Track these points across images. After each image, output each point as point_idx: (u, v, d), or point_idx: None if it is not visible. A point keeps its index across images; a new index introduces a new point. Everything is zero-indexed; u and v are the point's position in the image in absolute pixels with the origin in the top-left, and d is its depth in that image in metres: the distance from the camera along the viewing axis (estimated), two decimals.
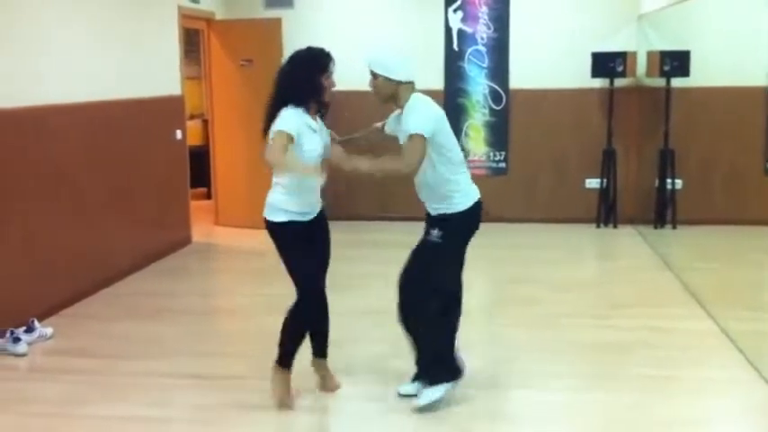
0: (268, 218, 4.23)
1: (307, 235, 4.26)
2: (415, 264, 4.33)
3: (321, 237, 4.38)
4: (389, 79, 4.14)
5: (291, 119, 4.07)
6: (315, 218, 4.30)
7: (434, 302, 4.29)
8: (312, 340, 4.50)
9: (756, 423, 4.30)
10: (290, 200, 4.19)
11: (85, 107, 6.43)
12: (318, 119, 4.27)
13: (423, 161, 4.04)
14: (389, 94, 4.18)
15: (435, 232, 4.23)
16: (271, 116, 4.15)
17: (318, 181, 4.12)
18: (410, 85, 4.19)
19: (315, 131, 4.17)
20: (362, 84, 4.25)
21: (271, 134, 4.07)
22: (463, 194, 4.25)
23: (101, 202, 6.70)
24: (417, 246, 4.35)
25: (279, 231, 4.22)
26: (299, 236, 4.23)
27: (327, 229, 4.43)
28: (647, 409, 4.32)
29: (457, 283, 4.42)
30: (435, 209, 4.28)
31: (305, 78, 4.16)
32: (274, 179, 4.23)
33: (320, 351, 4.56)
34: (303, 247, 4.26)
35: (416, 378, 4.48)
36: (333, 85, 4.24)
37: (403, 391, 4.47)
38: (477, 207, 4.28)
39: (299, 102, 4.13)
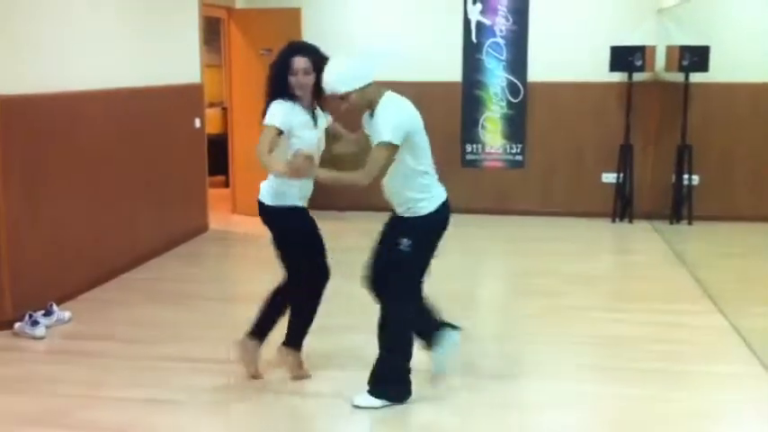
0: (265, 201, 4.35)
1: (307, 218, 4.41)
2: (382, 266, 4.27)
3: (316, 227, 4.49)
4: (362, 88, 4.00)
5: (279, 113, 4.16)
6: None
7: (400, 314, 4.25)
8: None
9: (761, 421, 4.31)
10: (287, 188, 4.28)
11: (106, 95, 6.51)
12: (320, 110, 4.36)
13: (386, 169, 4.02)
14: (368, 102, 4.05)
15: (405, 241, 4.14)
16: (265, 108, 4.27)
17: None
18: (376, 84, 4.06)
19: (308, 125, 4.22)
20: (380, 74, 4.24)
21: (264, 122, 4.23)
22: (430, 197, 4.18)
23: (120, 188, 6.77)
24: (386, 247, 4.28)
25: (283, 216, 4.35)
26: (303, 219, 4.40)
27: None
28: (657, 403, 4.35)
29: (419, 292, 4.38)
30: (401, 211, 4.23)
31: (275, 74, 4.27)
32: None
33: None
34: (307, 229, 4.42)
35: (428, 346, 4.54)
36: (301, 81, 4.22)
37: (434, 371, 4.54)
38: (443, 209, 4.22)
39: (279, 96, 4.22)
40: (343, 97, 4.01)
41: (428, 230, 4.21)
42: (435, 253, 4.31)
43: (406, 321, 4.29)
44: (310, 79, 4.23)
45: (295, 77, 4.23)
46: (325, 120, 4.44)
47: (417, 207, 4.17)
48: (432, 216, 4.18)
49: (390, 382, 4.31)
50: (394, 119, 3.99)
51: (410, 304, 4.29)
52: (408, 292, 4.28)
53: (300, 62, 4.25)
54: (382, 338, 4.29)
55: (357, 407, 4.27)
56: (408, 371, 4.33)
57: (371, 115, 4.10)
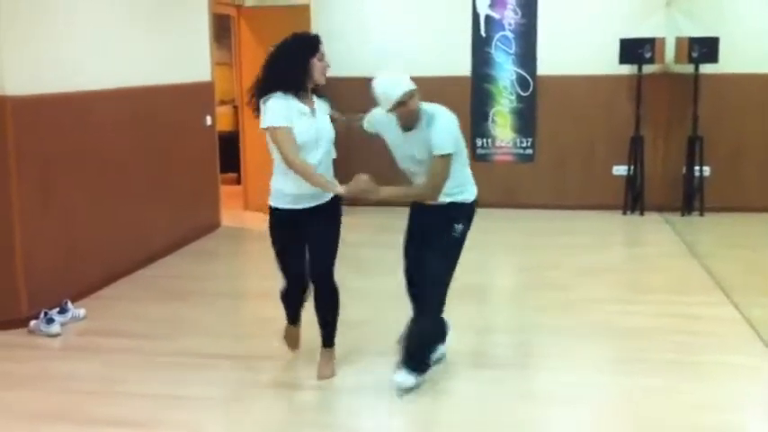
0: (269, 203, 4.38)
1: (291, 222, 4.33)
2: (436, 259, 4.33)
3: (316, 226, 4.35)
4: (416, 91, 4.14)
5: (279, 110, 4.11)
6: (314, 206, 4.31)
7: (443, 296, 4.38)
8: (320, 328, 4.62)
9: None
10: (280, 185, 4.29)
11: (117, 93, 6.55)
12: (317, 99, 4.30)
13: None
14: (418, 107, 4.17)
15: (459, 227, 4.30)
16: (258, 98, 4.24)
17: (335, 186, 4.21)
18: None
19: (305, 115, 4.18)
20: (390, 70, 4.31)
21: (262, 124, 4.16)
22: (471, 185, 4.40)
23: (132, 186, 6.82)
24: (436, 242, 4.34)
25: (269, 214, 4.40)
26: (278, 223, 4.39)
27: (328, 219, 4.39)
28: (669, 394, 4.37)
29: None
30: (446, 198, 4.30)
31: (298, 63, 4.18)
32: (274, 162, 4.31)
33: (323, 340, 4.65)
34: (282, 234, 4.42)
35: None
36: (327, 65, 4.26)
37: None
38: (474, 203, 4.43)
39: (288, 87, 4.15)
40: (412, 96, 4.10)
41: (470, 216, 4.39)
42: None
43: (443, 306, 4.42)
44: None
45: (321, 63, 4.22)
46: (326, 107, 4.38)
47: (462, 195, 4.32)
48: (469, 206, 4.37)
49: (427, 355, 4.47)
50: (451, 131, 4.16)
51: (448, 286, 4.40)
52: (451, 276, 4.37)
53: (324, 49, 4.28)
54: (426, 323, 4.41)
55: (405, 390, 4.36)
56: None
57: (409, 128, 4.21)
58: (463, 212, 4.34)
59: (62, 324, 5.45)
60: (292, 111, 4.13)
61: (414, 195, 4.33)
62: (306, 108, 4.20)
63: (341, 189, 4.13)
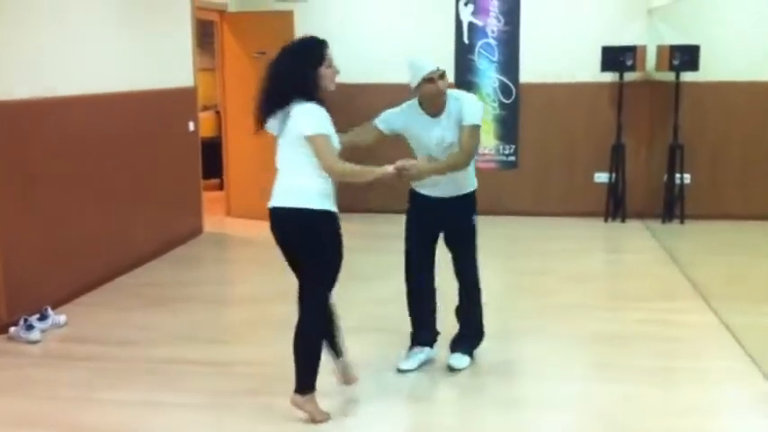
0: (311, 206, 3.90)
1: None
2: (466, 252, 4.76)
3: None
4: (446, 75, 4.44)
5: (322, 117, 3.86)
6: None
7: (477, 278, 4.83)
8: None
9: (752, 415, 4.34)
10: (328, 187, 3.97)
11: (100, 99, 6.52)
12: None
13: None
14: (446, 90, 4.45)
15: (475, 217, 4.69)
16: (270, 109, 3.94)
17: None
18: None
19: (333, 124, 3.97)
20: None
21: (303, 131, 3.84)
22: (473, 176, 4.69)
23: (115, 192, 6.79)
24: (456, 234, 4.73)
25: (323, 221, 3.94)
26: (339, 227, 4.02)
27: None
28: (649, 399, 4.39)
29: None
30: (457, 189, 4.60)
31: (305, 76, 3.89)
32: (301, 167, 3.93)
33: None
34: (340, 242, 4.04)
35: (423, 344, 4.84)
36: (336, 71, 4.00)
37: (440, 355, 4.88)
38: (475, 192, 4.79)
39: (308, 96, 3.86)
40: (442, 76, 4.39)
41: (475, 201, 4.73)
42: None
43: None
44: None
45: (330, 69, 3.97)
46: None
47: (470, 184, 4.67)
48: (473, 193, 4.71)
49: (481, 334, 4.95)
50: (479, 105, 4.52)
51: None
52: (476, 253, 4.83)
53: (330, 53, 4.01)
54: (475, 308, 4.88)
55: (460, 369, 4.73)
56: None
57: (437, 114, 4.46)
58: (473, 201, 4.71)
59: (42, 331, 5.41)
60: (328, 118, 3.91)
61: (449, 166, 4.43)
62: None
63: (389, 168, 4.07)
